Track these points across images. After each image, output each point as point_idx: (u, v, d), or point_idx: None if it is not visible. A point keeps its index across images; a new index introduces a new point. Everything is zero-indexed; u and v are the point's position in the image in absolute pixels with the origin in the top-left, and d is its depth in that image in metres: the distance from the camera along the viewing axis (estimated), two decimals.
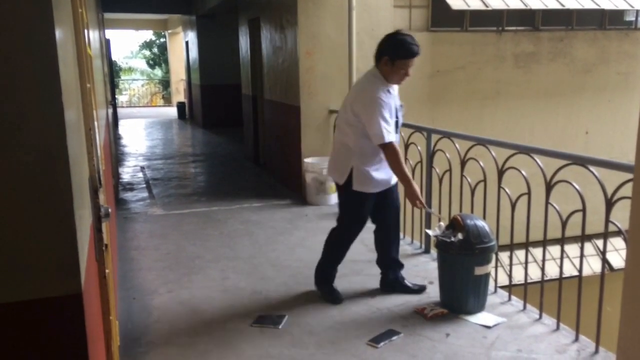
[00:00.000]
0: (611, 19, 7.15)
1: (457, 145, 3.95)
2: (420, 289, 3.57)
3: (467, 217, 3.33)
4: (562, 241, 3.05)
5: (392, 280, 3.58)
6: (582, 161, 2.91)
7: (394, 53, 3.15)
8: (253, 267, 4.17)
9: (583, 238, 3.02)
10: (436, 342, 2.98)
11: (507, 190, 3.45)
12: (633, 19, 7.29)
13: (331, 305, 3.42)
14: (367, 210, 3.40)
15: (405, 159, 4.58)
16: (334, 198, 5.84)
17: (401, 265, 3.62)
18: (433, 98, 6.36)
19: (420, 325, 3.17)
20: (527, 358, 2.79)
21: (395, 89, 3.32)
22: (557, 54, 6.85)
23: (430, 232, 3.47)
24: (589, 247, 7.39)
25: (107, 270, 1.75)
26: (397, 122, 3.30)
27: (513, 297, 3.48)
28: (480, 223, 3.29)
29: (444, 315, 3.26)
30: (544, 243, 3.19)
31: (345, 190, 3.38)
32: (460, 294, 3.29)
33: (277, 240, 4.78)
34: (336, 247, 3.52)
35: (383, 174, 3.34)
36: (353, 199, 3.36)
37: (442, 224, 3.45)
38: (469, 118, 6.42)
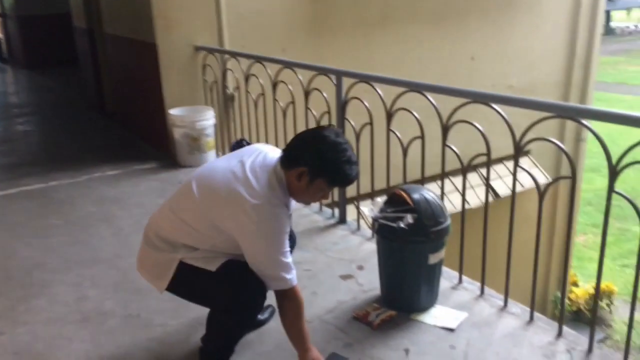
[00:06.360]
0: None
1: (379, 92, 3.10)
2: (271, 313, 2.55)
3: (413, 190, 2.55)
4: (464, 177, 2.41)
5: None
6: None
7: (321, 172, 1.96)
8: (121, 274, 3.06)
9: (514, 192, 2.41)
10: None
11: (454, 148, 2.72)
12: None
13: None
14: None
15: (307, 108, 3.65)
16: (212, 156, 4.76)
17: None
18: (316, 27, 5.39)
19: (368, 340, 2.39)
20: None
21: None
22: None
23: (366, 210, 2.65)
24: (474, 177, 7.23)
25: None
26: None
27: (465, 278, 2.84)
28: (431, 197, 2.53)
29: (392, 319, 2.52)
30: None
31: (185, 288, 2.12)
32: (411, 289, 2.55)
33: None
34: (233, 330, 2.18)
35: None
36: (214, 285, 2.04)
37: (379, 199, 2.65)
38: (357, 49, 5.58)
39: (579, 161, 7.41)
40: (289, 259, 1.98)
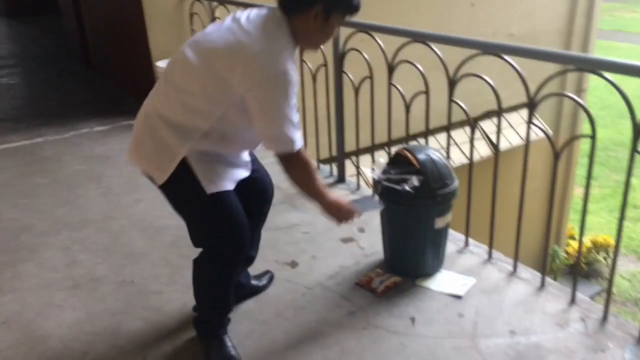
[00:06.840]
0: None
1: (379, 42, 2.89)
2: (270, 278, 2.51)
3: (418, 150, 2.40)
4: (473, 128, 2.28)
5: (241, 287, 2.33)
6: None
7: (335, 4, 1.81)
8: (112, 237, 2.93)
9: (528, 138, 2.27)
10: (403, 337, 2.14)
11: (461, 104, 2.54)
12: None
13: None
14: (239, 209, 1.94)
15: (302, 60, 3.43)
16: None
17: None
18: None
19: (372, 308, 2.30)
20: (527, 344, 2.07)
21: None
22: None
23: (367, 171, 2.51)
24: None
25: None
26: None
27: (471, 241, 2.73)
28: (437, 157, 2.38)
29: (396, 286, 2.42)
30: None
31: (178, 195, 1.94)
32: (417, 254, 2.44)
33: (140, 185, 3.48)
34: (216, 286, 2.03)
35: (237, 164, 2.01)
36: (206, 208, 1.90)
37: (382, 160, 2.50)
38: None
39: (580, 113, 7.23)
40: (296, 117, 1.80)
